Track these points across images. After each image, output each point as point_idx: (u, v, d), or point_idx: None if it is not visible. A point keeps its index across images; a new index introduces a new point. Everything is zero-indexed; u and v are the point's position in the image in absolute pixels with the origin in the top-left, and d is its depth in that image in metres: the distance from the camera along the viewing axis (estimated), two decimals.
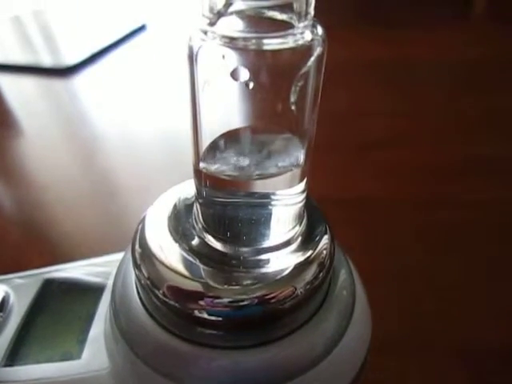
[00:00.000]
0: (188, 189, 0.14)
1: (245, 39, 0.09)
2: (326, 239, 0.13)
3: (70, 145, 0.42)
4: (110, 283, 0.16)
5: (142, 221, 0.13)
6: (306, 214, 0.13)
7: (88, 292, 0.17)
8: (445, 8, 0.71)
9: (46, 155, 0.40)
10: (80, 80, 0.53)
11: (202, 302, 0.11)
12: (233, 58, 0.09)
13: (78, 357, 0.14)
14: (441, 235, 0.28)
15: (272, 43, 0.09)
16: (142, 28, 0.68)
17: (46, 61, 0.56)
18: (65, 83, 0.52)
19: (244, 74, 0.09)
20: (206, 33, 0.09)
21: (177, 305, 0.11)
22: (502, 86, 0.46)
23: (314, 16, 0.09)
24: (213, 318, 0.11)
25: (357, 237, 0.27)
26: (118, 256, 0.15)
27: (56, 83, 0.52)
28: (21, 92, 0.52)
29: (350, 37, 0.58)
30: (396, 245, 0.27)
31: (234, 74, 0.09)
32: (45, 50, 0.61)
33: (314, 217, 0.13)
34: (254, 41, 0.09)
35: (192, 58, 0.09)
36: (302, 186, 0.12)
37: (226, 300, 0.11)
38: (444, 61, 0.52)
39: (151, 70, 0.55)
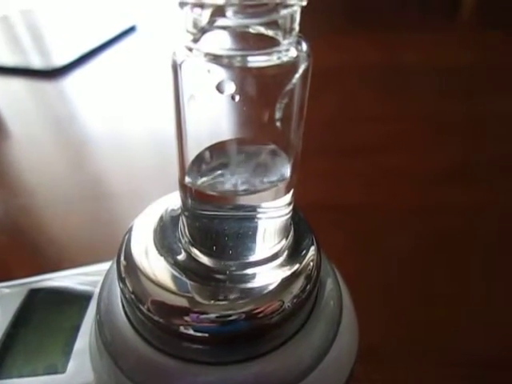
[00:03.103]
0: (176, 200, 0.14)
1: (229, 57, 0.08)
2: (312, 251, 0.12)
3: (59, 147, 0.42)
4: (97, 293, 0.16)
5: (129, 232, 0.13)
6: (292, 226, 0.13)
7: (75, 302, 0.16)
8: (434, 13, 0.72)
9: (33, 158, 0.39)
10: (69, 81, 0.52)
11: (187, 318, 0.11)
12: (218, 72, 0.09)
13: (63, 370, 0.14)
14: (433, 241, 0.28)
15: (257, 60, 0.09)
16: (131, 29, 0.67)
17: (35, 62, 0.55)
18: (54, 85, 0.52)
19: (230, 87, 0.09)
20: (190, 50, 0.09)
21: (162, 320, 0.11)
22: (494, 90, 0.47)
23: (302, 25, 0.09)
24: (199, 333, 0.11)
25: (346, 243, 0.27)
26: (107, 265, 0.15)
27: (45, 85, 0.52)
28: (9, 93, 0.51)
29: (340, 41, 0.58)
30: (387, 251, 0.27)
31: (219, 87, 0.09)
32: (33, 51, 0.60)
33: (300, 229, 0.13)
34: (238, 58, 0.08)
35: (176, 72, 0.09)
36: (288, 198, 0.12)
37: (212, 315, 0.11)
38: (435, 65, 0.52)
39: (141, 72, 0.55)
